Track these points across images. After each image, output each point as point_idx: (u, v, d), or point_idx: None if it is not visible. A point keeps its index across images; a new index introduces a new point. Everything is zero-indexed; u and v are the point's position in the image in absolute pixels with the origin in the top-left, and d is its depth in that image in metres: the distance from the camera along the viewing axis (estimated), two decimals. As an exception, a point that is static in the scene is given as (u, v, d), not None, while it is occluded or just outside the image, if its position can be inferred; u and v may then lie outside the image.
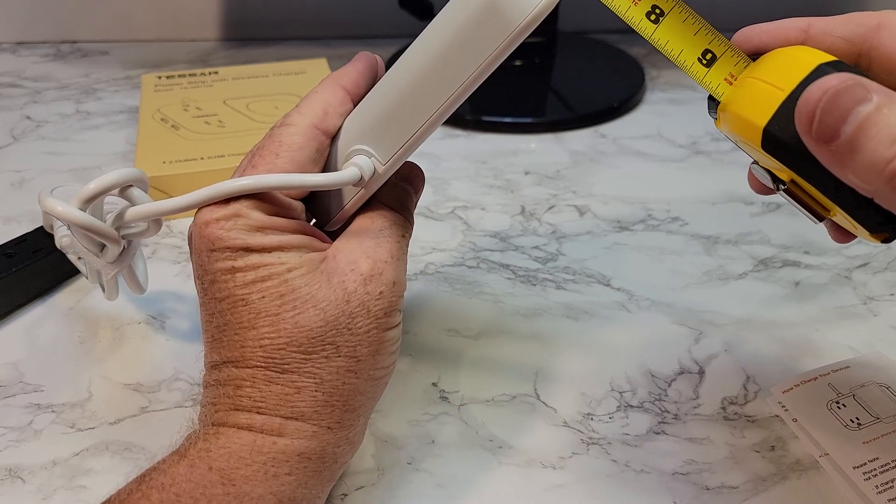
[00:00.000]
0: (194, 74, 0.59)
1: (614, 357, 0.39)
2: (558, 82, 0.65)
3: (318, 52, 0.68)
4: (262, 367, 0.27)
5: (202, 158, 0.49)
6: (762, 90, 0.25)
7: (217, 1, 0.71)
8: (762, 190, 0.28)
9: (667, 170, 0.54)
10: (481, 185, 0.52)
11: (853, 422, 0.34)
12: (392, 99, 0.28)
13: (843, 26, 0.26)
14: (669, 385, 0.37)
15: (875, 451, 0.33)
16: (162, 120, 0.53)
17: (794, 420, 0.35)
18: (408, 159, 0.29)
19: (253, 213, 0.27)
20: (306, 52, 0.69)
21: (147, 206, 0.29)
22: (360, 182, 0.28)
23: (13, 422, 0.35)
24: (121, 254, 0.32)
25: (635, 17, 0.27)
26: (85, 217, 0.29)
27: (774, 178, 0.26)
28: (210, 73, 0.59)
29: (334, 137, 0.29)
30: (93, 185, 0.28)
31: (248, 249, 0.27)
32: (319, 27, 0.73)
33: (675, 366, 0.38)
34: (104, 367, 0.38)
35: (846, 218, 0.25)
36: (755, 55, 0.27)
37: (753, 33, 0.27)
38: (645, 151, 0.56)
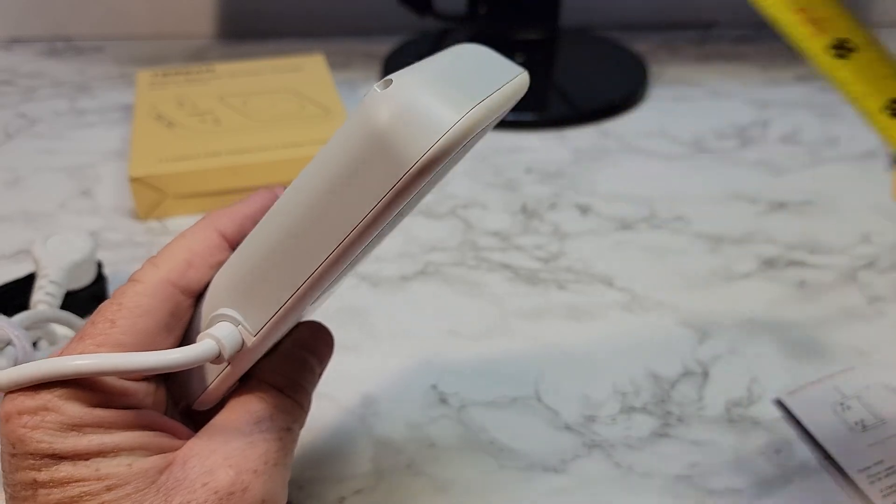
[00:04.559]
0: (190, 71, 0.59)
1: (617, 359, 0.38)
2: (560, 79, 0.64)
3: (315, 47, 0.67)
4: None
5: (198, 156, 0.48)
6: None
7: (214, -4, 0.71)
8: None
9: (670, 168, 0.54)
10: (482, 183, 0.52)
11: (858, 424, 0.34)
12: (262, 250, 0.22)
13: None
14: (673, 387, 0.37)
15: (880, 454, 0.32)
16: (157, 117, 0.52)
17: (799, 422, 0.34)
18: (312, 319, 0.24)
19: (67, 407, 0.21)
20: (303, 48, 0.68)
21: None
22: (218, 359, 0.22)
23: None
24: None
25: (814, 48, 0.23)
26: None
27: None
28: (206, 70, 0.59)
29: (202, 295, 0.24)
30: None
31: (56, 456, 0.20)
32: (316, 23, 0.72)
33: (678, 367, 0.38)
34: None
35: None
36: None
37: None
38: (648, 149, 0.56)
